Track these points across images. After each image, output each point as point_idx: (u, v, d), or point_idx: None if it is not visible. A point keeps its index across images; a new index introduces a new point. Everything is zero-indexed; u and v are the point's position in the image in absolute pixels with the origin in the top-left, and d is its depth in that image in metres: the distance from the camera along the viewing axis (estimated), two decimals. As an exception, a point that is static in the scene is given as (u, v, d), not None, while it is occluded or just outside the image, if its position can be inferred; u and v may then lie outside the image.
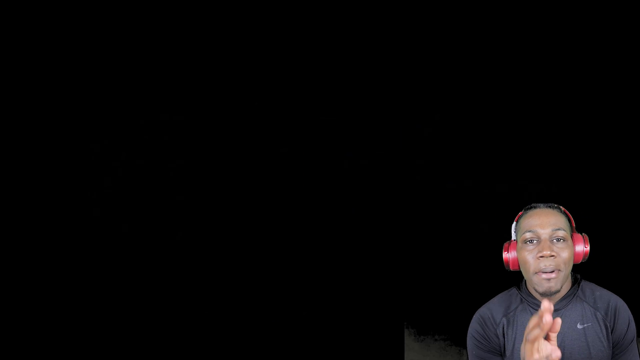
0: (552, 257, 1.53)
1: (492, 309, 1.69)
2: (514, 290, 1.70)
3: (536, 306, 1.62)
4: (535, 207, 1.62)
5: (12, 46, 3.32)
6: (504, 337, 1.65)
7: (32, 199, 3.35)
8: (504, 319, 1.66)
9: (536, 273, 1.55)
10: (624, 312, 1.59)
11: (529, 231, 1.57)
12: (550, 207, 1.62)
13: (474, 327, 1.70)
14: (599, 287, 1.64)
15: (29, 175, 3.35)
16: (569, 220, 1.63)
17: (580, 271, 1.71)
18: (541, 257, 1.54)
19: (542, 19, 3.39)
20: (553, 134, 3.46)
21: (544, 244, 1.54)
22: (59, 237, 3.35)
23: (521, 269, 1.62)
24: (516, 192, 3.42)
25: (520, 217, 1.65)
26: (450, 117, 3.51)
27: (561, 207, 1.64)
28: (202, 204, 3.46)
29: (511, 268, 1.65)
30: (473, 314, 1.79)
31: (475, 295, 1.99)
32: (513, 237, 1.67)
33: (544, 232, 1.56)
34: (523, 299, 1.65)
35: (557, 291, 1.55)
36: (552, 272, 1.53)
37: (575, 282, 1.65)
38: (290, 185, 3.48)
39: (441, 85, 3.49)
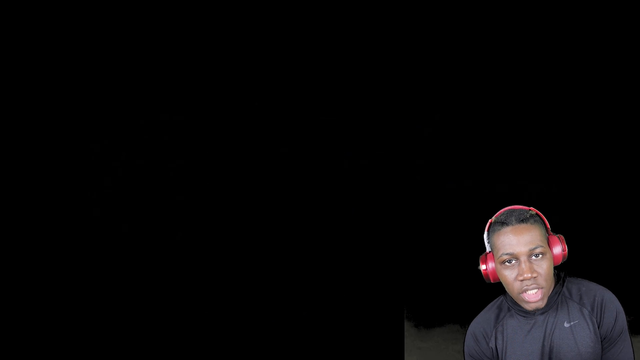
0: (534, 278, 1.51)
1: (482, 323, 1.69)
2: (501, 298, 1.69)
3: (522, 312, 1.62)
4: (507, 224, 1.56)
5: (12, 46, 3.32)
6: (496, 348, 1.66)
7: (32, 198, 3.35)
8: (494, 330, 1.66)
9: (520, 294, 1.54)
10: (611, 304, 1.57)
11: (506, 253, 1.54)
12: (522, 221, 1.56)
13: (468, 344, 1.70)
14: (585, 282, 1.63)
15: (29, 175, 3.35)
16: (544, 224, 1.59)
17: (576, 270, 1.70)
18: (522, 280, 1.52)
19: (542, 19, 3.39)
20: (553, 134, 3.46)
21: (524, 265, 1.52)
22: (59, 237, 3.35)
23: (504, 286, 1.60)
24: (516, 192, 3.42)
25: (490, 228, 1.61)
26: (450, 117, 3.52)
27: (532, 210, 1.60)
28: (202, 204, 3.46)
29: (492, 280, 1.62)
30: (473, 315, 1.79)
31: (475, 295, 1.99)
32: (487, 248, 1.63)
33: (521, 252, 1.52)
34: (510, 307, 1.65)
35: (542, 306, 1.56)
36: (535, 293, 1.52)
37: (559, 280, 1.63)
38: (290, 185, 3.48)
39: (441, 85, 3.49)
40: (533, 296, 1.52)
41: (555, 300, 1.60)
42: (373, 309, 3.46)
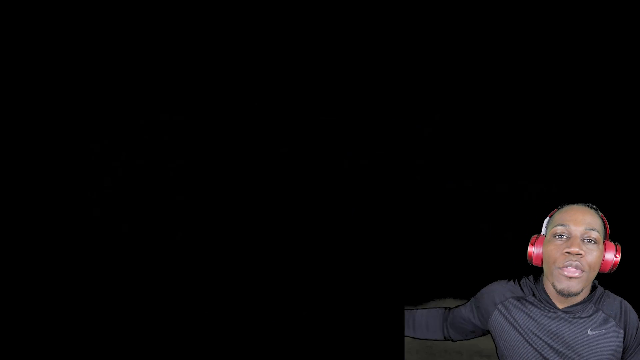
0: (578, 256, 1.49)
1: (504, 291, 1.69)
2: (525, 280, 1.67)
3: (547, 304, 1.59)
4: (573, 204, 1.61)
5: (12, 46, 3.32)
6: (502, 318, 1.64)
7: (32, 199, 3.35)
8: (513, 301, 1.63)
9: (559, 268, 1.51)
10: (633, 314, 1.57)
11: (561, 225, 1.53)
12: (589, 206, 1.59)
13: (483, 290, 1.74)
14: (607, 292, 1.64)
15: (29, 175, 3.35)
16: (604, 226, 1.60)
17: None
18: (568, 252, 1.50)
19: (542, 19, 3.39)
20: (553, 133, 3.45)
21: (574, 240, 1.50)
22: (59, 237, 3.35)
23: (544, 263, 1.58)
24: (516, 192, 3.42)
25: (554, 212, 1.62)
26: (450, 117, 3.51)
27: (599, 211, 1.61)
28: (202, 204, 3.46)
29: (533, 263, 1.61)
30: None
31: (475, 294, 1.99)
32: (543, 231, 1.64)
33: (577, 229, 1.52)
34: (536, 294, 1.62)
35: (577, 293, 1.53)
36: (575, 270, 1.50)
37: (594, 288, 1.63)
38: (290, 185, 3.47)
39: (441, 85, 3.49)
40: (572, 271, 1.49)
41: (584, 306, 1.58)
42: (373, 308, 3.46)
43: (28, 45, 3.34)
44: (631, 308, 1.58)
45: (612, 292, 1.63)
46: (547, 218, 1.64)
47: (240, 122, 3.47)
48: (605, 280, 1.77)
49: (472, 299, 1.71)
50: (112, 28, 3.38)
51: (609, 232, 1.62)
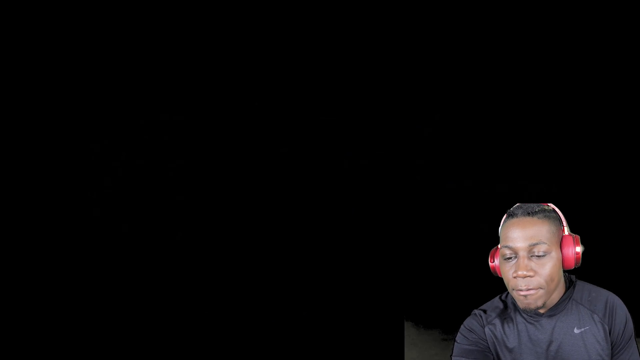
0: (528, 278, 1.42)
1: (486, 309, 1.63)
2: (507, 294, 1.64)
3: (526, 313, 1.55)
4: (513, 216, 1.48)
5: (12, 46, 3.32)
6: (494, 337, 1.58)
7: (32, 199, 3.35)
8: (498, 320, 1.58)
9: (514, 290, 1.47)
10: (621, 310, 1.51)
11: (506, 247, 1.46)
12: (530, 214, 1.46)
13: (465, 321, 1.64)
14: (594, 287, 1.56)
15: (29, 175, 3.35)
16: (559, 221, 1.50)
17: (578, 270, 1.64)
18: (515, 277, 1.44)
19: (542, 19, 3.39)
20: (553, 134, 3.46)
21: (520, 262, 1.43)
22: (59, 237, 3.35)
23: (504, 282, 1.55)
24: (516, 192, 3.42)
25: (503, 221, 1.55)
26: (450, 117, 3.51)
27: (548, 206, 1.50)
28: (202, 204, 3.46)
29: (499, 275, 1.55)
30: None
31: (475, 295, 1.99)
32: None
33: (521, 248, 1.43)
34: (516, 305, 1.57)
35: (542, 306, 1.47)
36: (528, 290, 1.43)
37: (571, 284, 1.55)
38: (290, 185, 3.48)
39: (441, 85, 3.49)
40: (526, 293, 1.43)
41: (565, 305, 1.51)
42: (373, 308, 3.46)
43: (29, 45, 3.34)
44: (620, 303, 1.50)
45: (613, 290, 1.59)
46: (500, 226, 1.55)
47: (240, 122, 3.48)
48: (607, 280, 1.77)
49: (458, 339, 1.60)
50: (113, 28, 3.38)
51: (565, 224, 1.49)
